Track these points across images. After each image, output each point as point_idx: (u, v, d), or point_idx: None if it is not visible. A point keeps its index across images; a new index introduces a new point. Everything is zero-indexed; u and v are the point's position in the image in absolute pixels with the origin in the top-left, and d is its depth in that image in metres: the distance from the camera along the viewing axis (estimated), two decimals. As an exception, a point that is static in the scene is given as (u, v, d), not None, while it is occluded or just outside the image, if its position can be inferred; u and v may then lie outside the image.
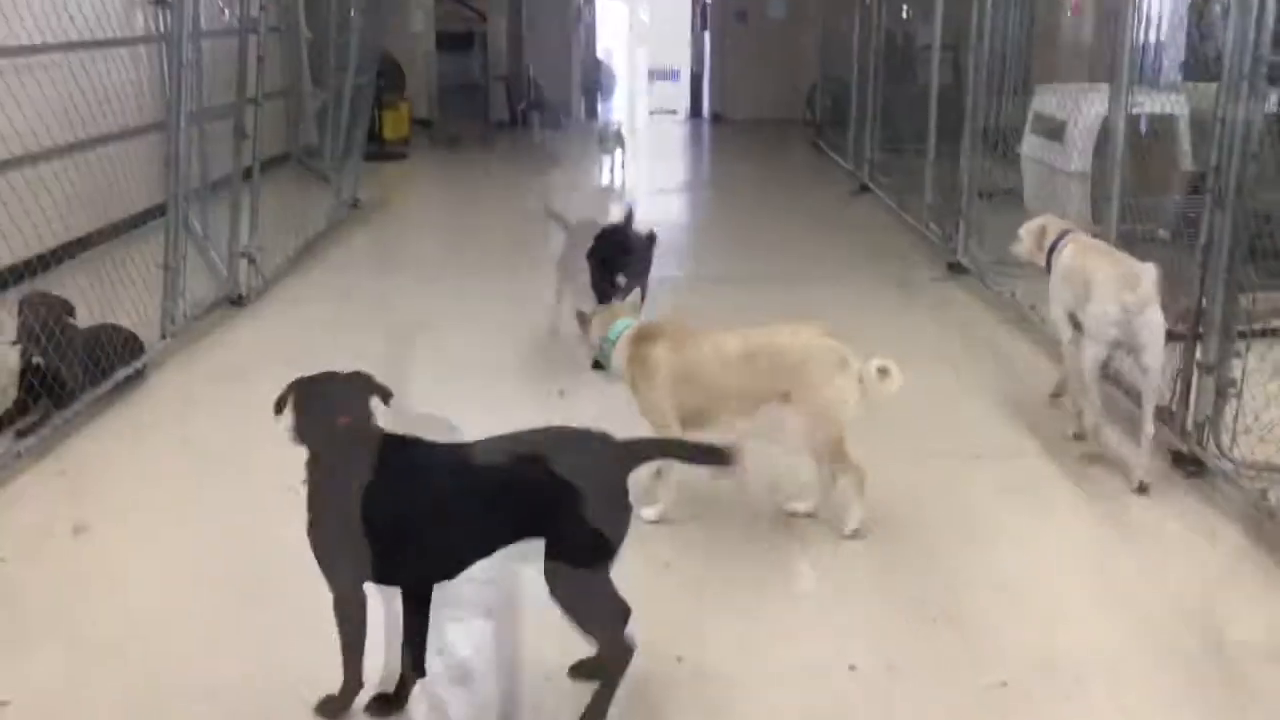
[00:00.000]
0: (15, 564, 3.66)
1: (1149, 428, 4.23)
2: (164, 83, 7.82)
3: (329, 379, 2.86)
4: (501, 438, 2.88)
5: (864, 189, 10.89)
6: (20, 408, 4.64)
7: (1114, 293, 4.17)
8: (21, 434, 4.48)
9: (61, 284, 5.60)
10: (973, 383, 5.53)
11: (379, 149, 13.01)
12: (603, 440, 2.85)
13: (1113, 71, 5.52)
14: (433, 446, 2.86)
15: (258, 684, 3.02)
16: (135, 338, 5.29)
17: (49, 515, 3.99)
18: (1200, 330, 4.39)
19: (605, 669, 2.82)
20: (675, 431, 3.80)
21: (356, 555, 2.74)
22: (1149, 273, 4.12)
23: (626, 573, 2.83)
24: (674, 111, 19.48)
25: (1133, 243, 6.09)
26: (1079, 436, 4.66)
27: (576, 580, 2.75)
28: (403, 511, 2.73)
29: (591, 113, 18.10)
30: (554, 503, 2.71)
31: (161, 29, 8.04)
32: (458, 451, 2.86)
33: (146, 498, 4.17)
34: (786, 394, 3.78)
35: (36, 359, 4.60)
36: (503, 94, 16.62)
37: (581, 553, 2.74)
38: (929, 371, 5.67)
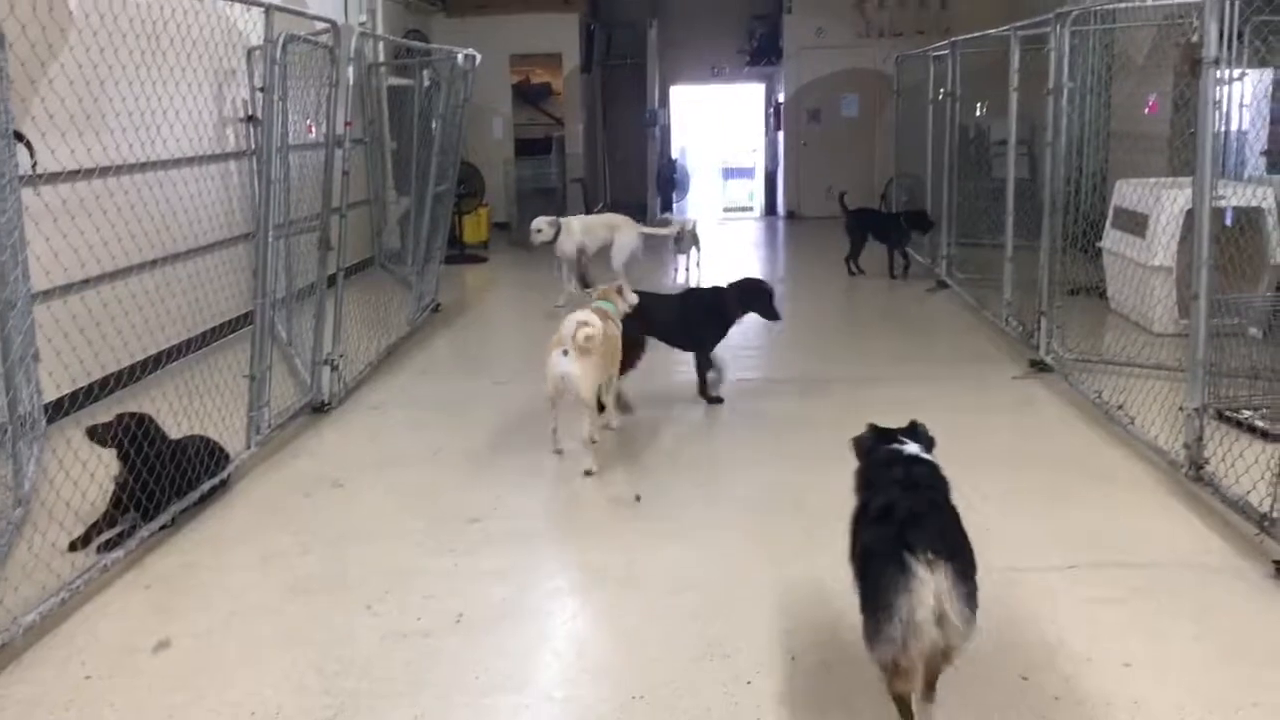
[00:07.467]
0: (98, 680, 3.69)
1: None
2: (253, 196, 8.15)
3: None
4: None
5: (941, 285, 10.82)
6: (109, 521, 4.74)
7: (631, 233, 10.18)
8: (108, 546, 4.56)
9: (149, 395, 5.76)
10: (1060, 486, 5.37)
11: (460, 252, 13.31)
12: None
13: (1195, 164, 5.39)
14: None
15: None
16: (221, 449, 5.37)
17: (133, 630, 4.03)
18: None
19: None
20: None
21: None
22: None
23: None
24: (749, 209, 19.65)
25: (1222, 339, 5.95)
26: None
27: None
28: None
29: (667, 211, 18.32)
30: None
31: (251, 145, 8.42)
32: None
33: (227, 614, 4.19)
34: None
35: (126, 477, 4.72)
36: (580, 196, 16.94)
37: None
38: (1013, 474, 5.54)
